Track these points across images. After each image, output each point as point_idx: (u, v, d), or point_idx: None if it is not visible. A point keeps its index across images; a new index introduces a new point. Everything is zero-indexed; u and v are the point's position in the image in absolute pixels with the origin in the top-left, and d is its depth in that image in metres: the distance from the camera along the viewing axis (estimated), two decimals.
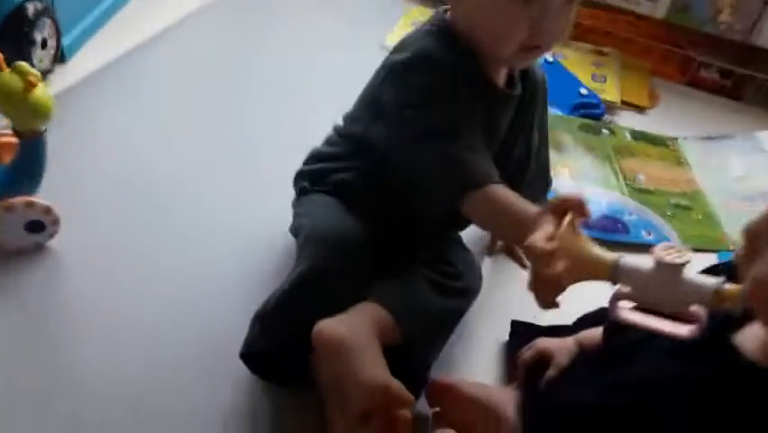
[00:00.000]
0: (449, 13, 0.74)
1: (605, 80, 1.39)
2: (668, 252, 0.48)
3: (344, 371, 0.64)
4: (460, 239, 0.87)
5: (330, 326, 0.65)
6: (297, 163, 0.84)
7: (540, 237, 0.52)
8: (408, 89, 0.70)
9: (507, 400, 0.70)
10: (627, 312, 0.53)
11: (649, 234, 1.01)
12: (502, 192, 0.64)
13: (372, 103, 0.77)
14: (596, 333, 0.72)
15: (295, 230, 0.79)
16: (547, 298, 0.53)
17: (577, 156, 1.16)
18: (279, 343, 0.68)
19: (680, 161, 1.22)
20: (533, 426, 0.64)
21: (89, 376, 0.69)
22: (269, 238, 0.89)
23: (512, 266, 0.94)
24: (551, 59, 1.32)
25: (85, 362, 0.71)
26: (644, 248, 0.88)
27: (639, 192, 1.11)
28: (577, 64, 1.42)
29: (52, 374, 0.69)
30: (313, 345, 0.65)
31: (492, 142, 0.75)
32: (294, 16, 1.48)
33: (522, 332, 0.80)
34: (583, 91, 1.28)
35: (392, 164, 0.72)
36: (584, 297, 0.67)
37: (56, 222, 0.82)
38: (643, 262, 0.50)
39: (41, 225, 0.81)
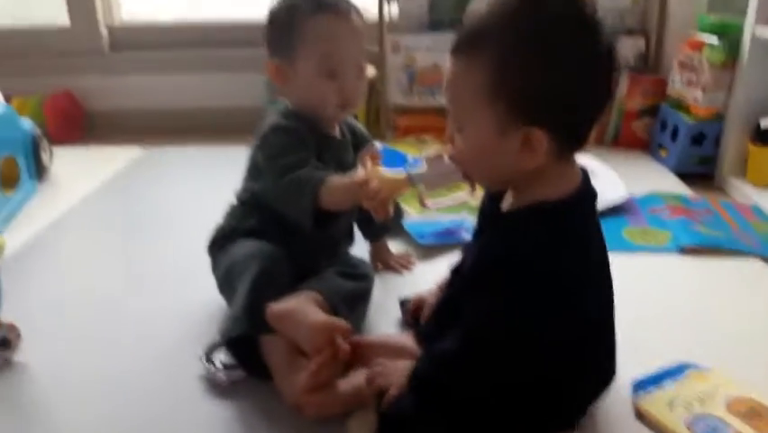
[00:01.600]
0: (288, 103, 1.06)
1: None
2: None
3: (297, 327, 0.88)
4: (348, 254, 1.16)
5: (279, 304, 0.90)
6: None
7: (358, 174, 0.85)
8: (270, 147, 1.00)
9: (405, 338, 0.95)
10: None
11: None
12: (337, 178, 0.94)
13: (251, 172, 1.07)
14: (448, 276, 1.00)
15: (225, 272, 1.01)
16: (378, 209, 0.83)
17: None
18: (250, 326, 0.90)
19: None
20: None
21: None
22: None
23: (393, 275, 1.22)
24: (381, 146, 1.68)
25: None
26: None
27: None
28: (404, 149, 1.81)
29: None
30: (269, 321, 0.89)
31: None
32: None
33: (406, 302, 1.06)
34: (410, 159, 1.64)
35: (272, 200, 1.00)
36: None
37: (18, 336, 0.99)
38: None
39: (7, 341, 0.98)
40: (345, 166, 1.06)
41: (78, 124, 2.20)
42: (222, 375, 0.92)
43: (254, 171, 1.06)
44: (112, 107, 2.25)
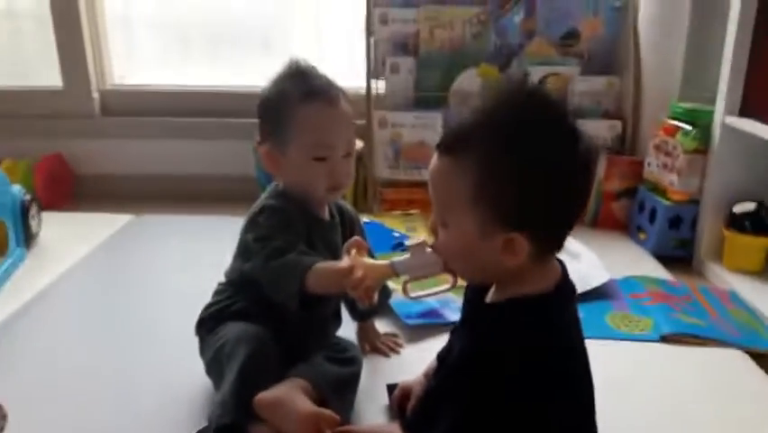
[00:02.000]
0: (279, 184, 1.09)
1: (415, 230, 1.81)
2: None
3: (284, 417, 0.88)
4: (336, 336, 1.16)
5: (267, 393, 0.91)
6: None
7: (343, 263, 0.88)
8: (259, 228, 1.02)
9: (392, 428, 0.96)
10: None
11: None
12: (323, 264, 0.95)
13: (241, 252, 1.08)
14: (434, 363, 1.02)
15: (213, 356, 1.01)
16: (362, 296, 0.85)
17: None
18: (239, 414, 0.90)
19: None
20: None
21: None
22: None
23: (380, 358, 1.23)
24: (368, 221, 1.73)
25: None
26: None
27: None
28: (391, 224, 1.84)
29: None
30: (257, 410, 0.89)
31: (335, 257, 1.07)
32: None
33: (393, 387, 1.07)
34: (396, 234, 1.69)
35: (260, 282, 1.01)
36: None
37: (5, 417, 0.98)
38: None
39: None
40: (334, 247, 1.08)
41: (68, 188, 2.21)
42: None
43: (244, 251, 1.07)
44: (101, 172, 2.27)
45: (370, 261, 0.92)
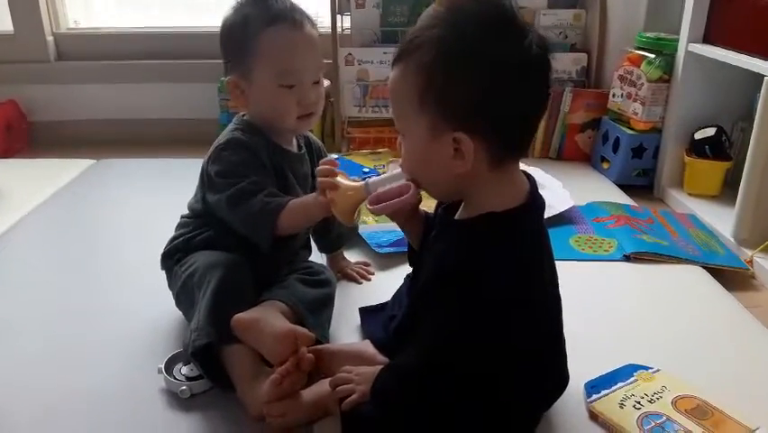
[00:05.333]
0: (245, 115, 1.07)
1: (384, 166, 1.80)
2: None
3: (261, 336, 0.88)
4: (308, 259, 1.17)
5: (244, 314, 0.91)
6: None
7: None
8: (224, 163, 1.00)
9: (365, 345, 0.98)
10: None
11: None
12: (295, 201, 0.96)
13: (203, 183, 1.05)
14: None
15: (183, 284, 1.00)
16: (343, 216, 0.86)
17: None
18: (214, 335, 0.90)
19: None
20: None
21: None
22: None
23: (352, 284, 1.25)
24: (337, 157, 1.72)
25: None
26: None
27: None
28: (360, 161, 1.83)
29: None
30: (234, 330, 0.89)
31: (304, 188, 1.07)
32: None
33: (366, 310, 1.09)
34: (366, 169, 1.68)
35: (226, 219, 1.00)
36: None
37: None
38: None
39: None
40: (304, 178, 1.08)
41: (24, 136, 2.14)
42: (183, 387, 0.92)
43: (206, 182, 1.04)
44: (58, 118, 2.20)
45: (346, 182, 0.89)
